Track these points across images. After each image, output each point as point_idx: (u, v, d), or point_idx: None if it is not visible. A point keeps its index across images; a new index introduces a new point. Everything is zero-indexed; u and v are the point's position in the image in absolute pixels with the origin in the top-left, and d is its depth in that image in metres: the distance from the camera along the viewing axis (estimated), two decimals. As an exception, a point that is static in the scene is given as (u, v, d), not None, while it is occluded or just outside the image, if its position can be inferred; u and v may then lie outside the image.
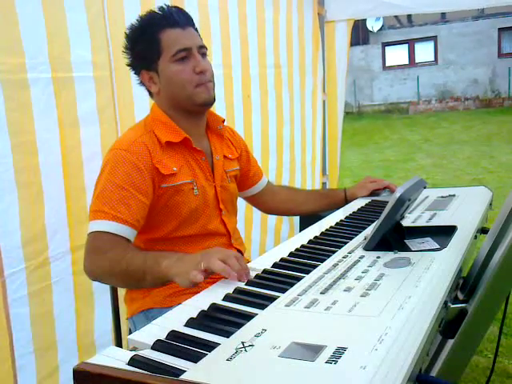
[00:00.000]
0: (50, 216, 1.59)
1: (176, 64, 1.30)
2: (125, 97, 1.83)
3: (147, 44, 1.30)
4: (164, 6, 1.32)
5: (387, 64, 16.98)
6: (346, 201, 1.72)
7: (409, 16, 15.68)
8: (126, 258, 1.15)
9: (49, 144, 1.58)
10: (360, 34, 16.16)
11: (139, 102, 1.86)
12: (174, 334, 0.77)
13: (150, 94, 1.41)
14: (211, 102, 1.37)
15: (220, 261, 1.01)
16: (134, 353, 0.70)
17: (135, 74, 1.39)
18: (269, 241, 2.87)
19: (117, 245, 1.19)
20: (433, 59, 16.42)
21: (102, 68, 1.74)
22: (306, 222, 1.58)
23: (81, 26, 1.65)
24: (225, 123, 1.51)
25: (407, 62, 16.76)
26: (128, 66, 1.38)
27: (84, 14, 1.65)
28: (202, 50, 1.35)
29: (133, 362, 0.68)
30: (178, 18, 1.30)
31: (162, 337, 0.76)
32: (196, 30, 1.36)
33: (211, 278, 1.25)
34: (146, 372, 0.65)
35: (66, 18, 1.59)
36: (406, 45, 16.60)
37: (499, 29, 15.31)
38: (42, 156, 1.55)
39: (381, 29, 16.42)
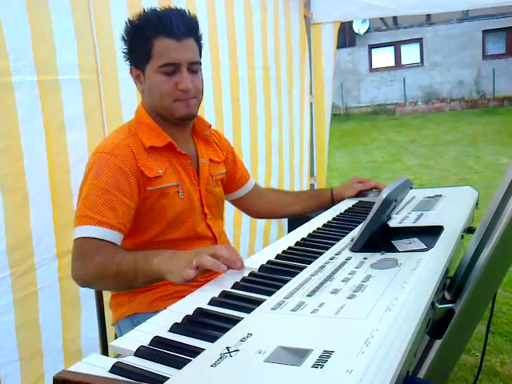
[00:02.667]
0: (35, 222, 1.56)
1: (160, 75, 1.27)
2: (112, 100, 1.81)
3: (139, 44, 1.28)
4: (166, 8, 1.26)
5: (374, 66, 17.09)
6: (333, 201, 1.72)
7: (395, 18, 15.81)
8: (116, 261, 1.14)
9: (34, 148, 1.55)
10: (347, 36, 16.25)
11: (127, 105, 1.84)
12: (157, 340, 0.75)
13: None
14: (190, 117, 1.35)
15: (210, 256, 1.01)
16: (116, 360, 0.69)
17: (128, 63, 1.35)
18: (257, 243, 2.86)
19: (104, 249, 1.17)
20: (419, 61, 16.56)
21: (88, 71, 1.71)
22: (295, 223, 1.57)
23: (67, 28, 1.62)
24: (211, 128, 1.50)
25: (393, 64, 16.89)
26: (123, 53, 1.34)
27: (70, 15, 1.63)
28: (194, 66, 1.30)
29: (115, 369, 0.66)
30: (177, 28, 1.24)
31: (146, 343, 0.74)
32: (198, 39, 1.32)
33: (197, 281, 1.24)
34: (128, 379, 0.63)
35: (51, 20, 1.56)
36: (392, 47, 16.73)
37: (483, 31, 15.50)
38: (27, 161, 1.53)
39: (367, 31, 16.53)
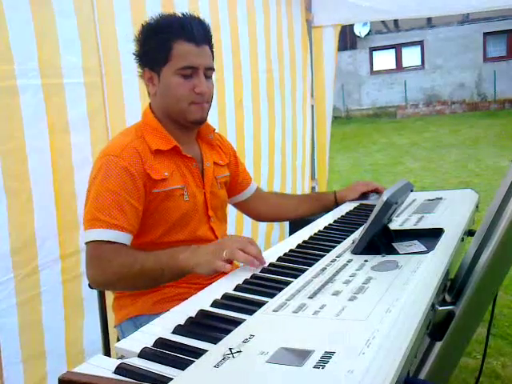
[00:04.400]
0: (39, 224, 1.57)
1: (178, 77, 1.29)
2: (116, 102, 1.82)
3: (158, 47, 1.29)
4: (186, 15, 1.30)
5: (375, 69, 17.10)
6: (337, 203, 1.73)
7: (395, 21, 15.83)
8: (139, 260, 1.16)
9: (38, 151, 1.56)
10: (348, 39, 16.27)
11: (130, 108, 1.85)
12: (161, 342, 0.76)
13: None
14: (202, 121, 1.38)
15: (241, 251, 1.08)
16: (120, 361, 0.69)
17: (139, 65, 1.36)
18: (259, 246, 2.85)
19: (120, 251, 1.19)
20: (420, 64, 16.56)
21: (92, 73, 1.73)
22: (296, 226, 1.58)
23: (71, 31, 1.63)
24: (215, 131, 1.52)
25: (394, 67, 16.89)
26: (134, 55, 1.36)
27: (74, 18, 1.64)
28: (209, 71, 1.34)
29: (119, 370, 0.67)
30: (197, 33, 1.28)
31: (149, 344, 0.75)
32: (211, 47, 1.35)
33: (200, 283, 1.25)
34: (132, 380, 0.64)
35: (55, 23, 1.58)
36: (393, 49, 16.73)
37: (484, 33, 15.50)
38: (31, 163, 1.54)
39: (368, 34, 16.54)
